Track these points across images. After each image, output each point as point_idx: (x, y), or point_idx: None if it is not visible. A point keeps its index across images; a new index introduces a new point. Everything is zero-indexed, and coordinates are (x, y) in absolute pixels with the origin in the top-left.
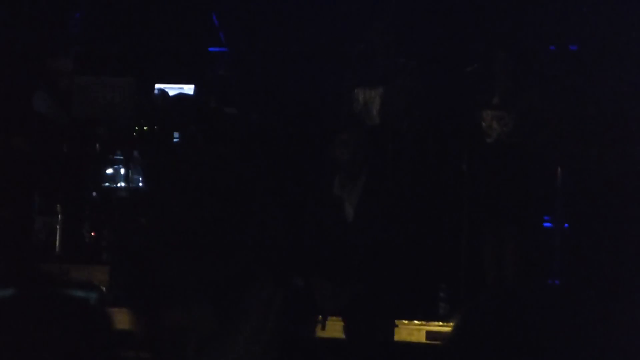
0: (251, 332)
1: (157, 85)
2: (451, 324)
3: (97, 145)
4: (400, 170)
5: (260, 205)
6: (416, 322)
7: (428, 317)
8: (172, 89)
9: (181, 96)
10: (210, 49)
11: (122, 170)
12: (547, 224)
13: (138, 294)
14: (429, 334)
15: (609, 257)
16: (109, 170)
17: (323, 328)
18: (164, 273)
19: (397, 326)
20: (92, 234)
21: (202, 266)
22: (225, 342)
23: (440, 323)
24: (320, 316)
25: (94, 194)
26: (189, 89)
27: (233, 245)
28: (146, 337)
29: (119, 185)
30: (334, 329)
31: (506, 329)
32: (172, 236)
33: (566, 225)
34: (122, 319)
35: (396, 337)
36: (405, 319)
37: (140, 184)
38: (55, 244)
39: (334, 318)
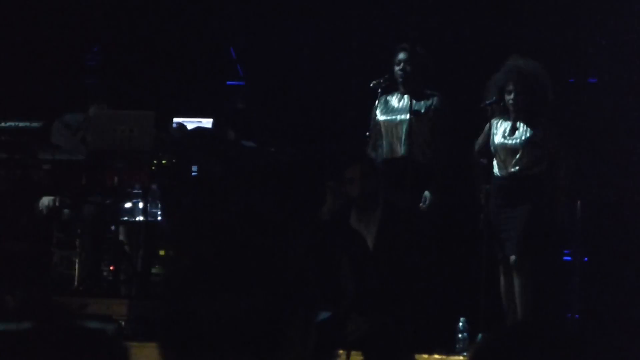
0: None
1: (176, 119)
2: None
3: (115, 178)
4: (420, 203)
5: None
6: (436, 355)
7: (448, 351)
8: (191, 123)
9: (199, 130)
10: (228, 82)
11: (141, 204)
12: (566, 258)
13: (170, 332)
14: None
15: (628, 291)
16: (128, 204)
17: None
18: (195, 313)
19: None
20: (111, 268)
21: (232, 307)
22: None
23: (460, 357)
24: (342, 350)
25: (113, 227)
26: (207, 122)
27: (258, 283)
28: None
29: (137, 219)
30: None
31: None
32: (198, 272)
33: (585, 259)
34: (140, 352)
35: None
36: (425, 353)
37: (159, 218)
38: (74, 277)
39: (355, 352)
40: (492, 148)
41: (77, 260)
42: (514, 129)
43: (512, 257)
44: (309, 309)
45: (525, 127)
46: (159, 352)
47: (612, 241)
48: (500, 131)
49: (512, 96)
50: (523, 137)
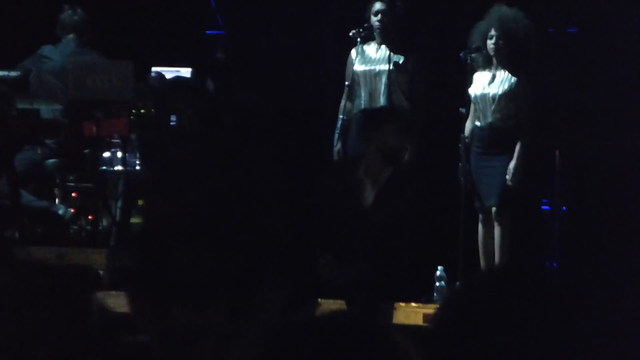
0: (260, 330)
1: (154, 69)
2: None
3: (94, 128)
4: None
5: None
6: (413, 304)
7: (425, 300)
8: (169, 72)
9: (178, 79)
10: (208, 32)
11: (119, 154)
12: (545, 207)
13: (143, 283)
14: (426, 317)
15: (607, 241)
16: (106, 154)
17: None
18: (173, 264)
19: (395, 308)
20: (90, 217)
21: (210, 258)
22: (237, 342)
23: (438, 306)
24: (320, 299)
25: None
26: (186, 72)
27: (240, 236)
28: (151, 330)
29: (116, 168)
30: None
31: (482, 312)
32: (177, 224)
33: (564, 208)
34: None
35: (393, 320)
36: (403, 302)
37: (138, 168)
38: (52, 228)
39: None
40: (472, 98)
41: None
42: (494, 79)
43: (491, 206)
44: (283, 264)
45: (505, 77)
46: (129, 302)
47: (591, 191)
48: (480, 81)
49: (493, 40)
50: (503, 87)
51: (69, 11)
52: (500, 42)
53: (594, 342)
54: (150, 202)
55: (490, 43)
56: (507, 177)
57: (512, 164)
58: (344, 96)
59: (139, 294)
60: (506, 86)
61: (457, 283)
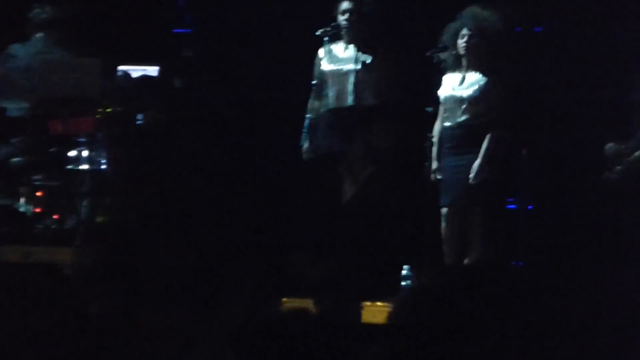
0: (224, 331)
1: (121, 67)
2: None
3: (61, 126)
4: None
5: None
6: (379, 303)
7: (392, 299)
8: (136, 71)
9: (145, 77)
10: (175, 30)
11: (85, 153)
12: (511, 206)
13: (107, 283)
14: None
15: (573, 239)
16: (72, 152)
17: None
18: (137, 264)
19: (362, 307)
20: (55, 216)
21: (174, 258)
22: (200, 344)
23: (393, 304)
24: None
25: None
26: (153, 70)
27: (204, 236)
28: (116, 330)
29: (82, 167)
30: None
31: (434, 309)
32: (143, 224)
33: (530, 207)
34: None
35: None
36: (369, 301)
37: (104, 167)
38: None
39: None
40: (440, 99)
41: (20, 210)
42: (463, 80)
43: (459, 205)
44: (247, 265)
45: (475, 77)
46: (94, 301)
47: (557, 190)
48: (449, 83)
49: (465, 39)
50: (473, 89)
51: (38, 9)
52: (473, 41)
53: (554, 340)
54: (116, 201)
55: (461, 42)
56: (471, 175)
57: (476, 163)
58: (312, 95)
59: (104, 293)
60: (476, 87)
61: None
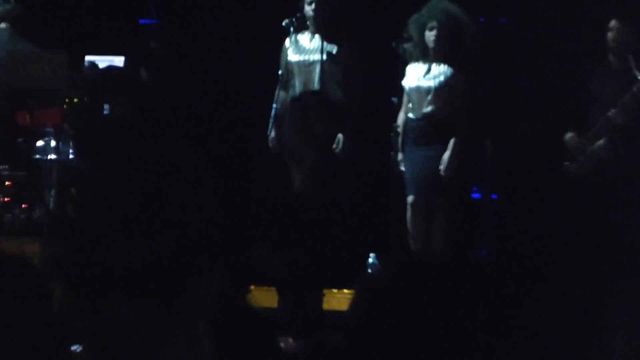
0: (190, 325)
1: (87, 58)
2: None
3: (27, 117)
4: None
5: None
6: (346, 290)
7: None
8: (102, 62)
9: (111, 69)
10: (141, 21)
11: (53, 143)
12: (475, 195)
13: (75, 275)
14: None
15: (536, 228)
16: (40, 143)
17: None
18: (105, 255)
19: (324, 295)
20: (24, 206)
21: (142, 249)
22: (166, 338)
23: (353, 291)
24: (253, 286)
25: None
26: (119, 61)
27: (171, 227)
28: (84, 324)
29: (49, 157)
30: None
31: (391, 297)
32: (109, 214)
33: (494, 196)
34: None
35: (326, 306)
36: (335, 288)
37: (71, 157)
38: None
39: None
40: (405, 90)
41: None
42: (429, 71)
43: (425, 194)
44: (213, 255)
45: (440, 69)
46: (62, 294)
47: (521, 180)
48: (414, 73)
49: (434, 32)
50: (439, 80)
51: (1, 1)
52: (442, 33)
53: (517, 328)
54: (83, 191)
55: (430, 35)
56: (441, 167)
57: (446, 155)
58: (278, 86)
59: (72, 286)
60: (442, 79)
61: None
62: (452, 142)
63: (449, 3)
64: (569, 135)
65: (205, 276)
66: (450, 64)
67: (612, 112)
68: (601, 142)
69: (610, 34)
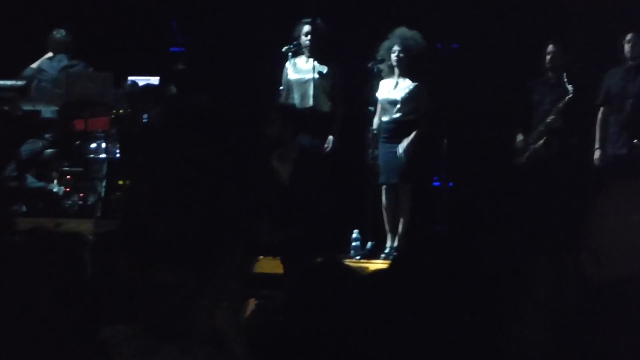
0: (219, 291)
1: (130, 77)
2: (361, 262)
3: (83, 124)
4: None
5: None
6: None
7: (344, 256)
8: (141, 80)
9: (148, 86)
10: (172, 48)
11: (103, 145)
12: (435, 183)
13: (126, 247)
14: None
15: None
16: (93, 145)
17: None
18: (149, 231)
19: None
20: (81, 195)
21: (178, 226)
22: (200, 302)
23: (353, 261)
24: (260, 257)
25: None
26: (154, 80)
27: (202, 207)
28: (133, 286)
29: (101, 156)
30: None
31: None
32: (151, 199)
33: (451, 184)
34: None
35: None
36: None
37: (118, 155)
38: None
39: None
40: (379, 100)
41: (52, 190)
42: (396, 85)
43: (394, 182)
44: (240, 232)
45: (405, 84)
46: (115, 263)
47: (474, 171)
48: (385, 88)
49: (395, 54)
50: (404, 92)
51: (61, 32)
52: (401, 55)
53: (466, 286)
54: (129, 181)
55: (393, 56)
56: (399, 150)
57: (405, 141)
58: (280, 98)
59: (123, 255)
60: (406, 92)
61: (369, 243)
62: (412, 134)
63: (407, 31)
64: (517, 136)
65: (232, 248)
66: (412, 79)
67: (550, 117)
68: (541, 141)
69: (548, 56)
